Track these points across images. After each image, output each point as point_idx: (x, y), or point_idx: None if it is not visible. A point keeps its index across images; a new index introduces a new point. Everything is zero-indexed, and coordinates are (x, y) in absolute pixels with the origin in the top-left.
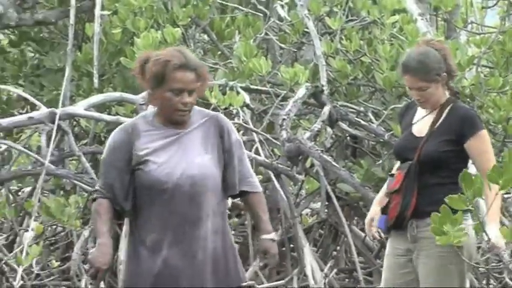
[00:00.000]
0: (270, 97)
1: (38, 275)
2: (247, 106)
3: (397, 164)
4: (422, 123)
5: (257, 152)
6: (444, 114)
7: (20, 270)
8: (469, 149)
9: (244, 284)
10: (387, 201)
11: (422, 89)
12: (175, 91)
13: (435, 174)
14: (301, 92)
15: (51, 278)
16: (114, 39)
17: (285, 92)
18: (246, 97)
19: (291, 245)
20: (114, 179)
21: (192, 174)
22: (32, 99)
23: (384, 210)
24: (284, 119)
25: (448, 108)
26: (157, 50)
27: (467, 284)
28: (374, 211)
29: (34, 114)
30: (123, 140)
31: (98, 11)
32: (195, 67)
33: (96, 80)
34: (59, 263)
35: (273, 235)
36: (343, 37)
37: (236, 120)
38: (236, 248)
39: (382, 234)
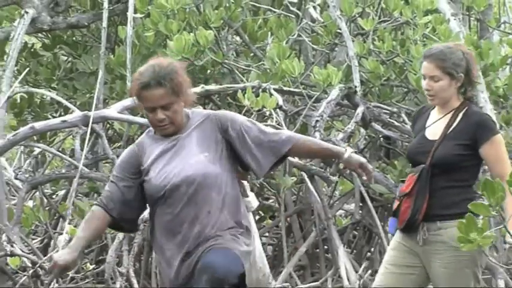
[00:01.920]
0: (303, 98)
1: (72, 278)
2: (280, 108)
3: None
4: (435, 126)
5: None
6: (458, 118)
7: None
8: (484, 154)
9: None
10: (397, 204)
11: (435, 79)
12: (148, 109)
13: (447, 178)
14: (334, 93)
15: (86, 280)
16: (146, 41)
17: (318, 93)
18: (279, 99)
19: (325, 247)
20: (113, 193)
21: (187, 175)
22: (65, 102)
23: (395, 214)
24: (317, 121)
25: (463, 112)
26: (190, 53)
27: (502, 284)
28: None
29: (68, 117)
30: (129, 158)
31: (130, 14)
32: (161, 82)
33: (129, 83)
34: (93, 266)
35: (349, 149)
36: (375, 38)
37: (269, 122)
38: (252, 243)
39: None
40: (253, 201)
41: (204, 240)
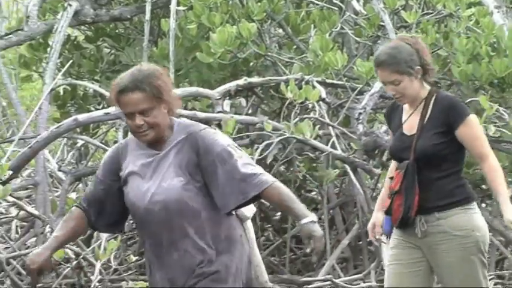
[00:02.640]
0: (346, 91)
1: (115, 269)
2: (323, 100)
3: (393, 163)
4: (411, 120)
5: (333, 146)
6: (430, 107)
7: (98, 264)
8: (461, 136)
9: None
10: (389, 202)
11: (395, 83)
12: (127, 115)
13: (435, 169)
14: (377, 85)
15: (129, 272)
16: (189, 34)
17: (361, 85)
18: (322, 91)
19: (368, 239)
20: (92, 193)
21: (159, 200)
22: (107, 94)
23: (387, 212)
24: (360, 113)
25: (432, 100)
26: (233, 45)
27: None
28: (375, 217)
29: (111, 109)
30: (111, 159)
31: (173, 7)
32: (138, 86)
33: (172, 75)
34: (136, 257)
35: (311, 217)
36: (419, 30)
37: (312, 114)
38: (242, 255)
39: (385, 240)
40: (246, 211)
41: (185, 269)
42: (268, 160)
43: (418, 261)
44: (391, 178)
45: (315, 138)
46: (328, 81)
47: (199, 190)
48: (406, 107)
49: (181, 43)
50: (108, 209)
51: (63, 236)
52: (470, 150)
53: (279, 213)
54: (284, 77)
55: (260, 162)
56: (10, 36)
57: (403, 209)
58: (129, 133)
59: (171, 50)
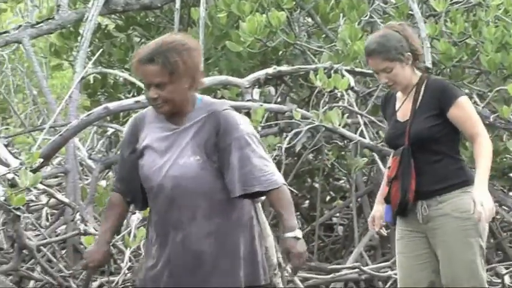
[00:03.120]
0: (374, 80)
1: None
2: (352, 89)
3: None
4: (404, 107)
5: (362, 135)
6: (421, 92)
7: (127, 252)
8: (453, 117)
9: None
10: (387, 190)
11: (387, 71)
12: (145, 85)
13: (429, 152)
14: None
15: None
16: (219, 23)
17: None
18: (350, 80)
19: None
20: (125, 172)
21: (173, 176)
22: (138, 83)
23: (387, 199)
24: None
25: (424, 85)
26: (262, 34)
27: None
28: (376, 209)
29: (141, 98)
30: (130, 132)
31: None
32: (155, 58)
33: (201, 65)
34: None
35: (296, 232)
36: (447, 19)
37: (341, 103)
38: (257, 248)
39: (384, 232)
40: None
41: (187, 250)
42: (297, 148)
43: (425, 252)
44: (389, 168)
45: (343, 127)
46: (357, 69)
47: (215, 171)
48: (399, 95)
49: (211, 32)
50: (137, 184)
51: (112, 225)
52: (463, 131)
53: (307, 201)
54: (313, 66)
55: (289, 150)
56: (41, 25)
57: (400, 193)
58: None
59: (200, 38)
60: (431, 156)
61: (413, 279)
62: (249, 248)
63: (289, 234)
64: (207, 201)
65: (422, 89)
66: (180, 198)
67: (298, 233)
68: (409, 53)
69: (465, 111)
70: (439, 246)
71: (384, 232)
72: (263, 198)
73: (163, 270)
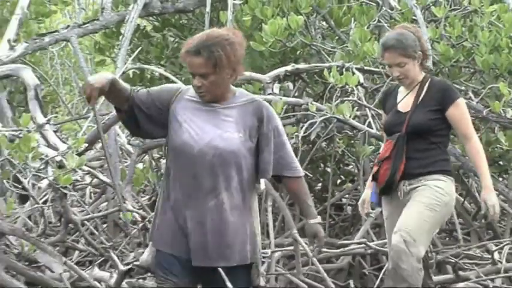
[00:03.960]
0: (381, 77)
1: None
2: (361, 85)
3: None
4: (406, 100)
5: (369, 125)
6: (425, 89)
7: None
8: (450, 116)
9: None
10: (377, 169)
11: (401, 65)
12: (191, 74)
13: (423, 141)
14: None
15: None
16: (244, 25)
17: None
18: (360, 77)
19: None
20: (144, 97)
21: (216, 145)
22: (172, 77)
23: (374, 177)
24: None
25: (427, 83)
26: (283, 35)
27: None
28: (366, 194)
29: None
30: (167, 92)
31: (230, 1)
32: (201, 51)
33: None
34: None
35: (319, 219)
36: (447, 24)
37: (351, 97)
38: (255, 231)
39: (372, 211)
40: (261, 186)
41: (218, 215)
42: (312, 137)
43: None
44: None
45: (353, 118)
46: (366, 68)
47: (251, 150)
48: (401, 89)
49: None
50: (141, 115)
51: (120, 88)
52: (456, 129)
53: (320, 184)
54: (327, 64)
55: (304, 138)
56: (87, 25)
57: (389, 172)
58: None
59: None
60: (423, 145)
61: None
62: (252, 228)
63: (314, 221)
64: (240, 175)
65: (426, 86)
66: (218, 167)
67: (320, 219)
68: (421, 52)
69: (462, 112)
70: (409, 202)
71: (372, 214)
72: (262, 190)
73: (194, 228)
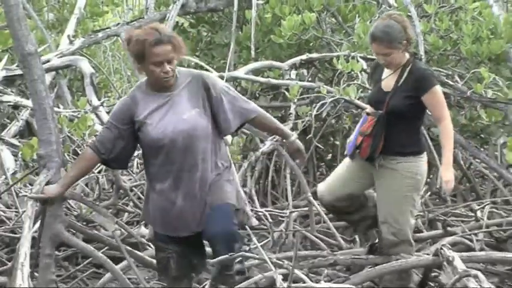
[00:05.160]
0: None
1: None
2: (365, 71)
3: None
4: (388, 80)
5: None
6: (405, 73)
7: None
8: (426, 101)
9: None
10: (361, 140)
11: (387, 55)
12: (156, 63)
13: (401, 122)
14: None
15: None
16: (266, 21)
17: None
18: (363, 64)
19: None
20: (106, 135)
21: (182, 129)
22: (206, 66)
23: (358, 147)
24: None
25: (408, 68)
26: (298, 30)
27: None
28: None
29: None
30: (123, 111)
31: (254, 1)
32: (169, 39)
33: (252, 52)
34: None
35: (295, 135)
36: (436, 19)
37: (356, 81)
38: (237, 187)
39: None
40: (228, 138)
41: (204, 183)
42: (323, 115)
43: (363, 177)
44: (368, 114)
45: (357, 99)
46: (368, 56)
47: (209, 118)
48: (387, 71)
49: (260, 28)
50: (118, 148)
51: (77, 175)
52: (431, 112)
53: (330, 155)
54: (335, 54)
55: (317, 117)
56: (134, 22)
57: (370, 149)
58: (133, 87)
59: (252, 33)
60: (401, 125)
61: (339, 183)
62: (234, 184)
63: (293, 138)
64: (208, 142)
65: (407, 71)
66: (191, 145)
67: (296, 135)
68: (405, 41)
69: (437, 97)
70: (381, 186)
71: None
72: (229, 141)
73: (183, 203)
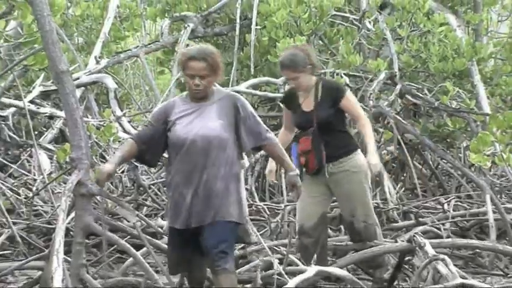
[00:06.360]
0: (361, 79)
1: None
2: (347, 85)
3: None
4: (307, 101)
5: None
6: (320, 90)
7: None
8: (343, 107)
9: (234, 219)
10: (305, 160)
11: (295, 79)
12: (189, 76)
13: (331, 131)
14: (381, 76)
15: None
16: (263, 44)
17: (371, 76)
18: (346, 79)
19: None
20: (146, 133)
21: (203, 134)
22: None
23: (305, 166)
24: (371, 93)
25: (320, 86)
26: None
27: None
28: (270, 165)
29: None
30: (161, 112)
31: (253, 26)
32: (203, 58)
33: (252, 70)
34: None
35: (296, 171)
36: (408, 41)
37: None
38: (242, 198)
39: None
40: (246, 163)
41: (209, 186)
42: None
43: (322, 194)
44: (298, 142)
45: None
46: (350, 73)
47: (232, 133)
48: (300, 93)
49: (258, 49)
50: (152, 143)
51: (123, 155)
52: (350, 114)
53: None
54: (323, 71)
55: None
56: (151, 45)
57: (316, 162)
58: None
59: (251, 54)
60: (332, 133)
61: (309, 207)
62: (238, 194)
63: (293, 173)
64: (224, 152)
65: (320, 88)
66: (207, 150)
67: (297, 171)
68: (310, 65)
69: (351, 101)
70: (341, 192)
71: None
72: (246, 166)
73: (191, 199)
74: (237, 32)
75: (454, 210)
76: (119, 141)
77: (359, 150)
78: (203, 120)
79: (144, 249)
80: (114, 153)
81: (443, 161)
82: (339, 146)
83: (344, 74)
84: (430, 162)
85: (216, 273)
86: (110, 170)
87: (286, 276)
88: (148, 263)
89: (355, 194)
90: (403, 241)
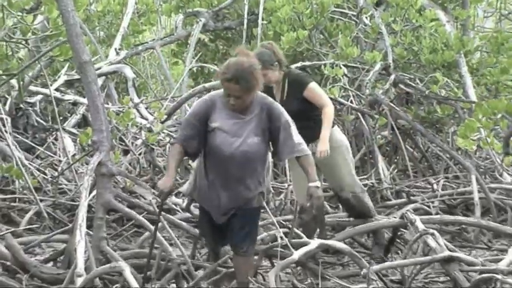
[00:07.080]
0: (359, 70)
1: None
2: (346, 75)
3: None
4: (278, 94)
5: (351, 102)
6: (286, 84)
7: None
8: (307, 97)
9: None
10: None
11: (264, 75)
12: (225, 94)
13: (304, 119)
14: (377, 67)
15: None
16: (269, 37)
17: (368, 67)
18: (345, 70)
19: (370, 156)
20: (189, 133)
21: (243, 150)
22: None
23: None
24: (367, 83)
25: (287, 79)
26: (294, 43)
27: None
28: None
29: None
30: (202, 109)
31: (260, 21)
32: (236, 80)
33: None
34: None
35: (317, 183)
36: (401, 35)
37: (339, 83)
38: (268, 191)
39: None
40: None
41: (245, 196)
42: None
43: None
44: None
45: (340, 97)
46: (348, 64)
47: (267, 145)
48: (274, 86)
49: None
50: (195, 143)
51: (176, 166)
52: (316, 103)
53: None
54: (323, 62)
55: None
56: (166, 38)
57: None
58: (213, 92)
59: (258, 46)
60: (306, 120)
61: (304, 193)
62: (263, 188)
63: (313, 184)
64: (260, 166)
65: (286, 81)
66: (246, 164)
67: (319, 183)
68: (276, 62)
69: (314, 91)
70: (326, 167)
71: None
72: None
73: (226, 202)
74: (245, 27)
75: (442, 190)
76: (137, 126)
77: (336, 127)
78: (242, 135)
79: (159, 223)
80: (165, 160)
81: (433, 144)
82: (316, 130)
83: (343, 64)
84: (421, 146)
85: (237, 254)
86: (172, 185)
87: (292, 247)
88: (163, 236)
89: (339, 167)
90: (395, 217)
